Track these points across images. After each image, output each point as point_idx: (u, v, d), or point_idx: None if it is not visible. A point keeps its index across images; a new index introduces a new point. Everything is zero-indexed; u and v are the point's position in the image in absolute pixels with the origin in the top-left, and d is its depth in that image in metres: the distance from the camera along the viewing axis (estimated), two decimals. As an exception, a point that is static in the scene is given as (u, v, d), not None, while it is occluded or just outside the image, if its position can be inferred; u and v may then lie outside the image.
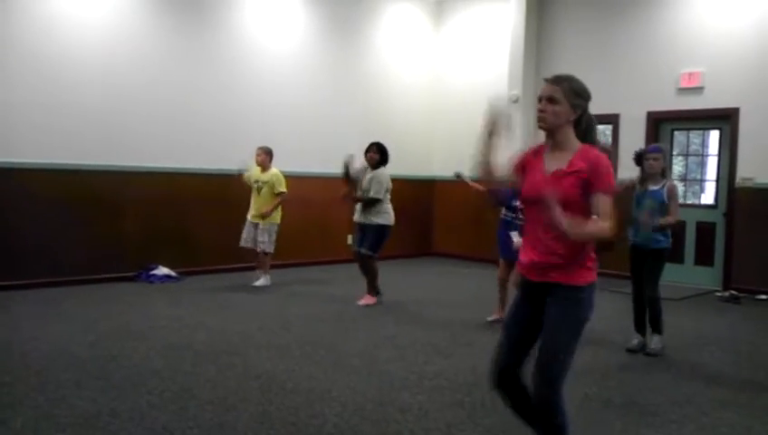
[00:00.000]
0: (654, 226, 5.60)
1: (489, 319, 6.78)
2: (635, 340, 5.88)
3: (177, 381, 4.68)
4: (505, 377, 3.11)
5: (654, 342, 5.78)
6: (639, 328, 5.91)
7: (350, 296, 7.69)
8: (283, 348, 5.62)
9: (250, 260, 8.79)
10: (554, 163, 3.02)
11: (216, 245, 9.32)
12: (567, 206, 2.85)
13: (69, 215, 8.09)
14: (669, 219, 5.65)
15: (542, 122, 3.03)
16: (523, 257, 3.09)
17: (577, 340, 2.95)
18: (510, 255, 6.41)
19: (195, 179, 9.12)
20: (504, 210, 6.69)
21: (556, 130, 3.02)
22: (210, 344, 5.67)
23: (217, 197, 9.13)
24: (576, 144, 3.02)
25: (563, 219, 2.76)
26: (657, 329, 5.80)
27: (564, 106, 2.98)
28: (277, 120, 10.00)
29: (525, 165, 3.15)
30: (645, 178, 5.79)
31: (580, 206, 2.91)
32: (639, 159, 5.84)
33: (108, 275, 8.34)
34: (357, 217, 7.62)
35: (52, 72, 7.98)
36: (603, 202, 2.88)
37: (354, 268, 7.80)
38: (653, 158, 5.73)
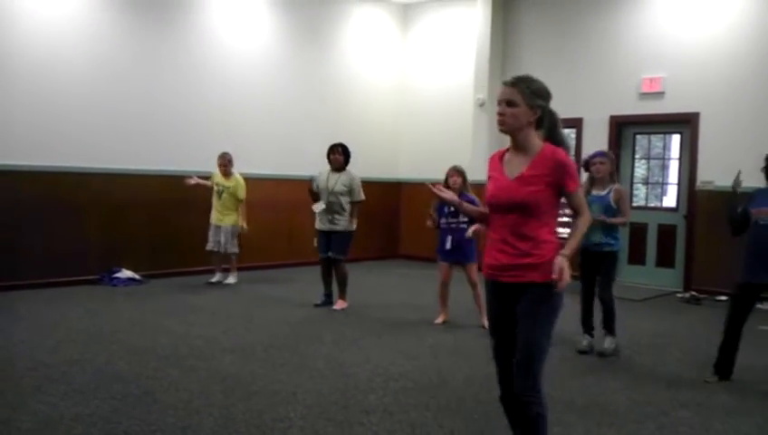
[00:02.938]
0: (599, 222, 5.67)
1: (437, 322, 6.89)
2: (584, 341, 5.96)
3: (141, 385, 4.64)
4: (505, 384, 3.16)
5: (606, 342, 5.84)
6: (587, 329, 6.00)
7: (315, 299, 7.66)
8: (247, 351, 5.60)
9: (215, 263, 8.76)
10: (516, 166, 3.07)
11: (181, 247, 9.24)
12: (532, 208, 2.97)
13: (29, 216, 7.96)
14: (619, 219, 5.78)
15: (502, 126, 3.07)
16: (492, 260, 3.13)
17: (550, 330, 3.05)
18: (450, 257, 6.83)
19: (159, 181, 9.03)
20: (443, 220, 6.83)
21: (517, 133, 3.06)
22: (174, 348, 5.62)
23: (182, 198, 9.05)
24: (537, 145, 3.06)
25: (564, 264, 2.89)
26: (610, 330, 5.86)
27: (522, 108, 3.01)
28: (243, 122, 9.95)
29: (491, 171, 3.20)
30: (592, 183, 5.87)
31: (546, 204, 3.01)
32: (587, 165, 5.93)
33: (69, 279, 8.21)
34: (324, 225, 7.49)
35: (6, 69, 7.83)
36: (577, 198, 3.06)
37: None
38: (599, 162, 5.82)
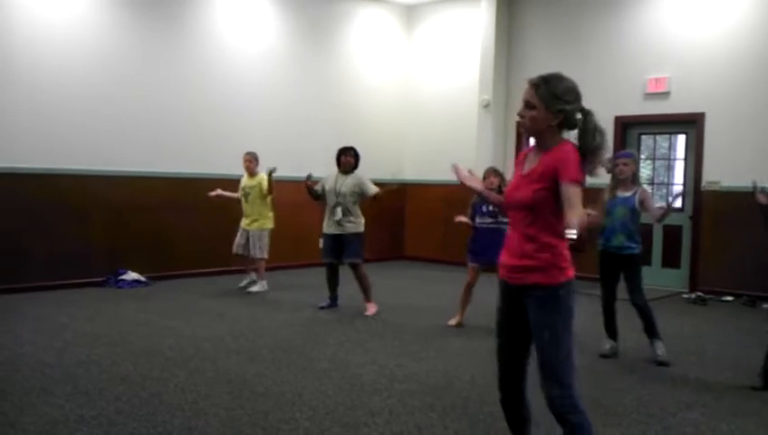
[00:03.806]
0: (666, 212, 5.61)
1: (450, 323, 6.86)
2: (607, 345, 5.86)
3: (146, 386, 4.65)
4: (506, 386, 3.10)
5: (658, 349, 5.67)
6: (611, 334, 5.89)
7: (321, 301, 7.65)
8: (253, 353, 5.60)
9: (222, 264, 8.79)
10: (531, 162, 2.95)
11: (187, 249, 9.26)
12: (536, 207, 2.84)
13: (33, 219, 7.99)
14: (661, 209, 5.66)
15: (523, 128, 2.96)
16: (502, 259, 3.04)
17: (569, 334, 2.87)
18: (480, 257, 6.59)
19: (164, 182, 9.05)
20: (478, 218, 6.70)
21: (538, 136, 2.93)
22: (180, 350, 5.63)
23: (187, 200, 9.06)
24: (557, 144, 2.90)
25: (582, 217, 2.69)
26: (656, 334, 5.72)
27: (541, 111, 2.84)
28: (247, 124, 9.97)
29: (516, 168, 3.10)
30: (615, 184, 5.79)
31: (552, 204, 2.83)
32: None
33: (75, 281, 8.24)
34: (333, 228, 7.38)
35: (8, 71, 7.84)
36: (569, 192, 2.74)
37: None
38: (623, 163, 5.72)
